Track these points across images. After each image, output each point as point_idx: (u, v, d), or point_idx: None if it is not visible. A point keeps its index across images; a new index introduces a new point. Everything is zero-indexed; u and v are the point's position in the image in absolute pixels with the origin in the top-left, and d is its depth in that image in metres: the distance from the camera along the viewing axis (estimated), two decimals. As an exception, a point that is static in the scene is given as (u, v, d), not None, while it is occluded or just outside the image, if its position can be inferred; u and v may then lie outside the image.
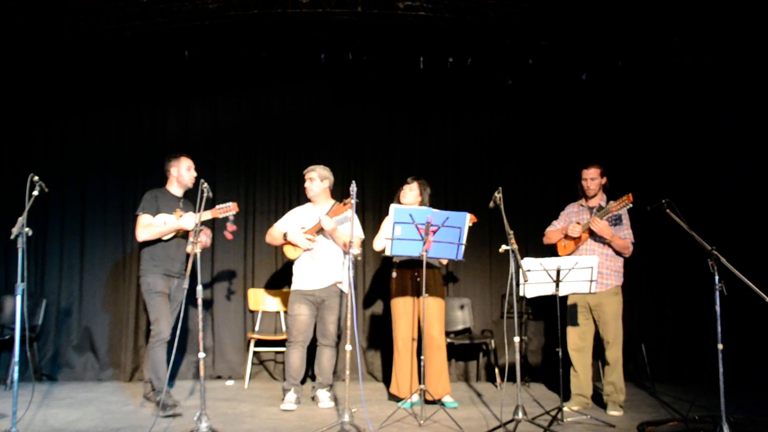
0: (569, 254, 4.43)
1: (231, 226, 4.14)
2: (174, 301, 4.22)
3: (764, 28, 5.18)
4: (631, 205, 4.20)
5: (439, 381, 4.40)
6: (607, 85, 6.01)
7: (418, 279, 4.37)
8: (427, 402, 4.25)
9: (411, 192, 4.56)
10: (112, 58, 5.64)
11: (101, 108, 5.73)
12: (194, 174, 4.32)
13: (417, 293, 4.42)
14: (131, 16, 5.33)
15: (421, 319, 4.24)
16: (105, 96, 5.73)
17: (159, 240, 4.17)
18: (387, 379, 5.21)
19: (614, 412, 4.23)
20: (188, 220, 4.13)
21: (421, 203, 4.55)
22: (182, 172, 4.29)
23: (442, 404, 4.34)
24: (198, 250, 3.53)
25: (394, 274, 4.52)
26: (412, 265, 4.45)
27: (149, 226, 4.13)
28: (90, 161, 5.67)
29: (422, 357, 4.14)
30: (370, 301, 5.74)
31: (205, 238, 4.30)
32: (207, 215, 4.11)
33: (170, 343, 4.14)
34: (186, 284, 3.81)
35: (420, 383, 4.08)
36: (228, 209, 4.18)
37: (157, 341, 4.02)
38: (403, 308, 4.48)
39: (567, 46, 5.81)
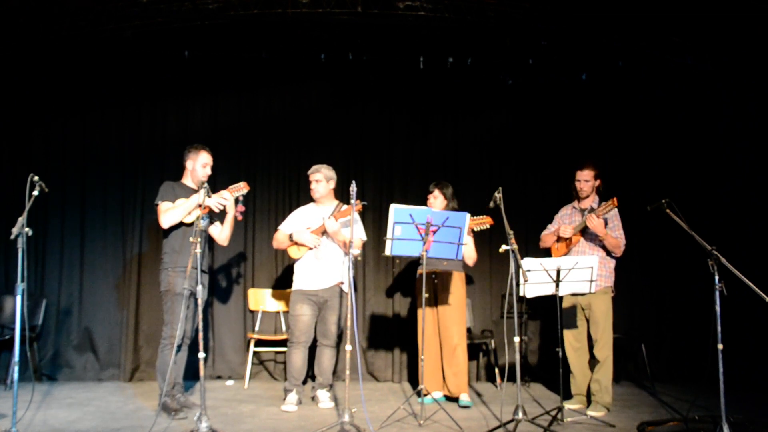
0: (562, 256, 4.44)
1: (240, 207, 4.13)
2: (194, 298, 3.98)
3: (764, 28, 5.18)
4: (615, 209, 4.30)
5: (455, 378, 4.50)
6: (607, 85, 6.01)
7: (435, 281, 4.53)
8: (434, 400, 4.43)
9: (436, 200, 4.64)
10: (112, 58, 5.64)
11: (101, 108, 5.73)
12: (209, 172, 4.20)
13: (437, 297, 4.58)
14: (131, 16, 5.33)
15: (421, 322, 4.28)
16: (105, 96, 5.73)
17: (180, 228, 4.06)
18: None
19: (593, 413, 4.16)
20: (201, 194, 3.90)
21: (447, 206, 4.62)
22: (197, 167, 4.17)
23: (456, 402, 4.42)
24: (199, 250, 3.52)
25: (417, 275, 4.58)
26: (430, 267, 4.50)
27: (170, 209, 4.01)
28: (90, 161, 5.67)
29: (422, 357, 4.15)
30: (380, 300, 5.77)
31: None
32: (224, 193, 4.09)
33: (190, 346, 4.13)
34: (187, 284, 3.81)
35: (420, 383, 4.08)
36: (239, 188, 4.15)
37: (168, 344, 3.96)
38: (425, 313, 4.51)
39: (567, 46, 5.81)
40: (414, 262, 4.93)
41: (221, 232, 4.29)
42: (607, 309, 4.36)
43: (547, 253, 4.70)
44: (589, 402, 4.37)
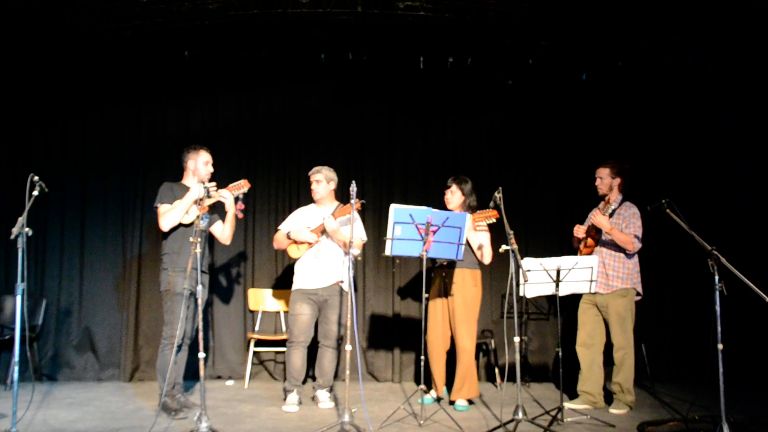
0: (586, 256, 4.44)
1: (240, 205, 4.14)
2: (194, 298, 3.99)
3: (764, 28, 5.18)
4: (635, 207, 4.36)
5: (464, 383, 4.38)
6: (607, 85, 6.01)
7: (446, 280, 4.44)
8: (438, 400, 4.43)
9: (453, 195, 4.55)
10: (112, 58, 5.64)
11: (101, 108, 5.73)
12: (211, 169, 4.20)
13: (446, 294, 4.48)
14: (131, 16, 5.33)
15: (426, 319, 4.27)
16: (105, 96, 5.73)
17: (179, 229, 4.06)
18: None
19: (615, 410, 4.25)
20: (196, 189, 3.94)
21: (465, 202, 4.54)
22: (199, 166, 4.16)
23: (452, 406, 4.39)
24: (199, 250, 3.52)
25: (433, 275, 4.57)
26: (442, 266, 4.47)
27: (168, 211, 4.01)
28: (90, 161, 5.67)
29: (422, 357, 4.15)
30: (380, 300, 5.75)
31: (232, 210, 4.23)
32: (223, 191, 4.10)
33: (190, 346, 4.13)
34: (187, 284, 3.81)
35: (421, 383, 4.08)
36: (240, 186, 4.15)
37: (168, 344, 3.95)
38: (433, 309, 4.50)
39: (567, 46, 5.81)
40: (419, 262, 4.90)
41: (223, 231, 4.29)
42: (623, 311, 4.34)
43: (551, 249, 4.73)
44: (610, 401, 4.38)
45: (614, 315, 4.35)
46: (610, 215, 4.37)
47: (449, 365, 4.57)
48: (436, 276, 4.54)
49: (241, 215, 4.20)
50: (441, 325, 4.49)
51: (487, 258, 4.47)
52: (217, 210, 4.34)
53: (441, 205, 4.53)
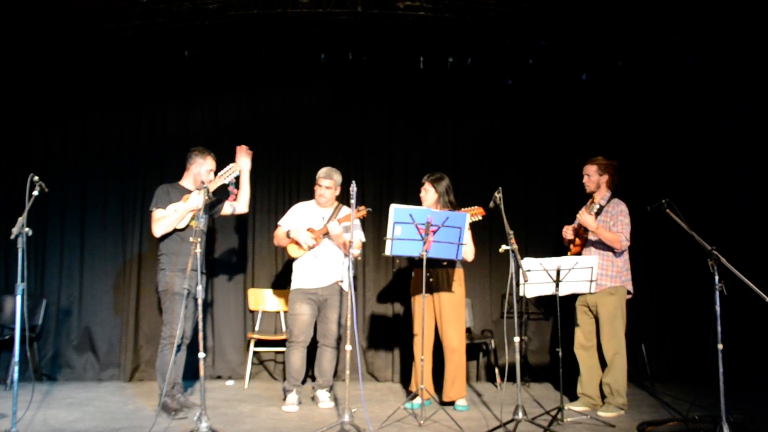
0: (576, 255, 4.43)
1: (234, 189, 4.16)
2: (193, 298, 3.99)
3: (764, 28, 5.18)
4: (623, 205, 4.33)
5: (453, 384, 4.34)
6: (607, 85, 6.01)
7: (431, 279, 4.35)
8: (441, 403, 4.36)
9: (427, 193, 4.49)
10: (112, 58, 5.64)
11: (101, 108, 5.73)
12: (212, 178, 4.18)
13: (430, 293, 4.38)
14: (131, 16, 5.34)
15: (417, 317, 4.26)
16: (105, 96, 5.73)
17: (175, 232, 4.05)
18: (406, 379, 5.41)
19: (603, 413, 4.16)
20: (195, 198, 3.96)
21: (440, 199, 4.43)
22: (202, 172, 4.16)
23: (452, 406, 4.34)
24: (199, 250, 3.52)
25: (413, 273, 4.51)
26: (427, 264, 4.34)
27: (162, 218, 4.02)
28: (90, 161, 5.67)
29: (422, 357, 4.15)
30: (380, 300, 5.75)
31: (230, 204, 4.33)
32: (215, 184, 4.08)
33: (189, 345, 4.13)
34: (186, 284, 3.82)
35: (421, 383, 4.08)
36: (231, 170, 4.13)
37: (167, 344, 3.95)
38: (418, 308, 4.41)
39: (567, 46, 5.81)
40: (411, 262, 4.88)
41: (240, 202, 4.34)
42: (612, 310, 4.30)
43: (550, 248, 4.71)
44: (603, 403, 4.36)
45: (603, 314, 4.31)
46: (598, 213, 4.33)
47: (435, 365, 4.54)
48: (417, 275, 4.42)
49: (232, 198, 4.22)
50: (428, 325, 4.37)
51: (470, 255, 4.43)
52: (216, 195, 4.33)
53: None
